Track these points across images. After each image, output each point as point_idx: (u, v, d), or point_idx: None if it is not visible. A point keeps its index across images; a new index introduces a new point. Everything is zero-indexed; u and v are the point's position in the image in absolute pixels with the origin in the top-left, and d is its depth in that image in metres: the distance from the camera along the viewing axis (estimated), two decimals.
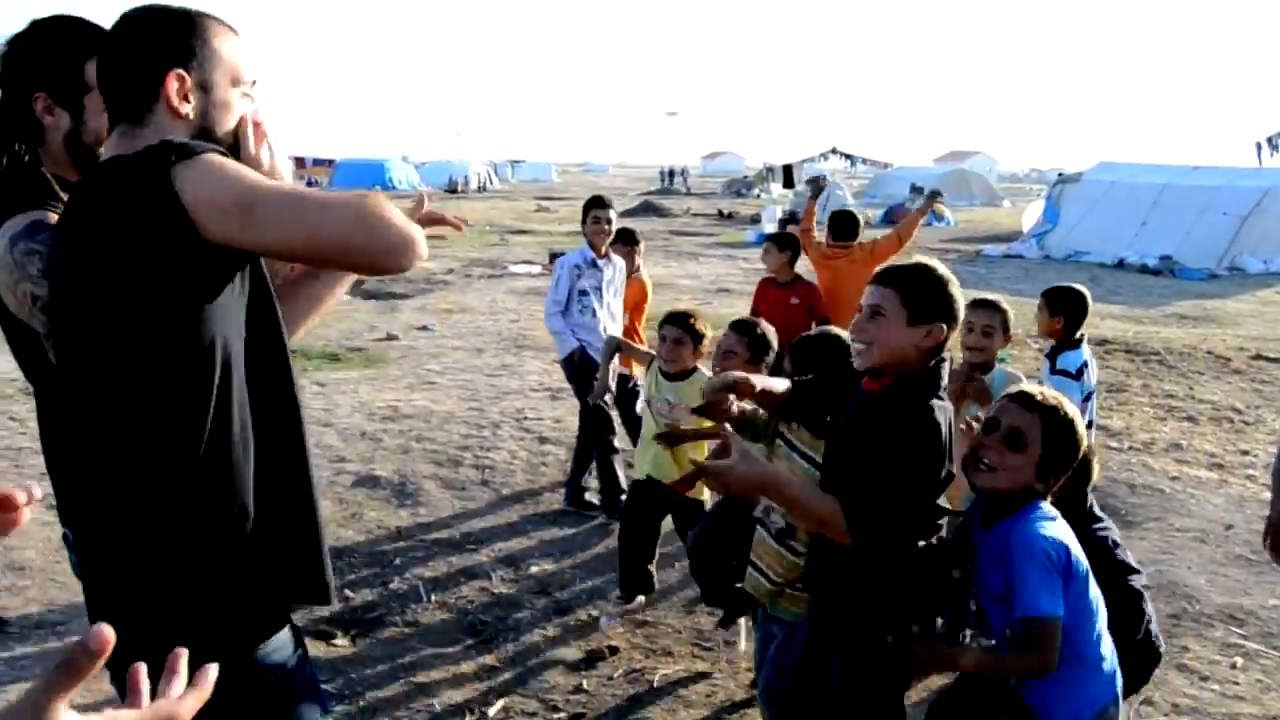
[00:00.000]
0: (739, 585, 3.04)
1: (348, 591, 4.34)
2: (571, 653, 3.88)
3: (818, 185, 7.29)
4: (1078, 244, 19.66)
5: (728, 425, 2.95)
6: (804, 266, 6.30)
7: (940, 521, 2.34)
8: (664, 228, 25.91)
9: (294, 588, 1.63)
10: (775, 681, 2.76)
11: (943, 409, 2.21)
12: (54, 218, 1.79)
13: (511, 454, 6.34)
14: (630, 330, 5.77)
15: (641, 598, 4.24)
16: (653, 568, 4.16)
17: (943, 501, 2.36)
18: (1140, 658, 2.79)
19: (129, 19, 1.57)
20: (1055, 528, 2.26)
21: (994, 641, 2.29)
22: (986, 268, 17.62)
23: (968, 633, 2.40)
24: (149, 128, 1.54)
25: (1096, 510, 3.02)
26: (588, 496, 5.49)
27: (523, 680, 3.68)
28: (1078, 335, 4.24)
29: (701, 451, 3.77)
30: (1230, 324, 12.12)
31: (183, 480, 1.47)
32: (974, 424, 2.53)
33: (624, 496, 5.14)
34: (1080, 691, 2.27)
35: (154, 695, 0.89)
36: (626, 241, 5.84)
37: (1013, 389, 2.45)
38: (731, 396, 2.72)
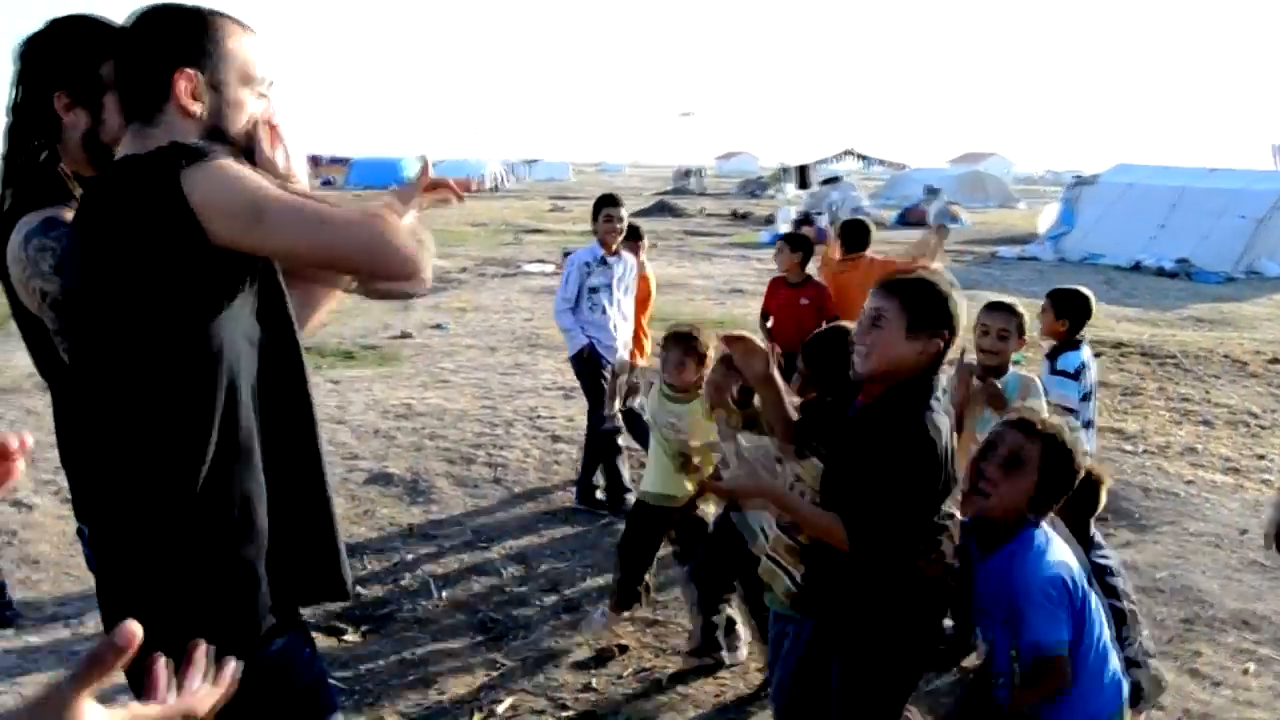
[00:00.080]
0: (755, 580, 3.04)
1: (359, 587, 4.36)
2: (581, 651, 3.89)
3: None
4: (1094, 246, 19.51)
5: (739, 437, 2.97)
6: (814, 268, 6.33)
7: (946, 524, 2.34)
8: (678, 227, 25.90)
9: (311, 584, 1.64)
10: (787, 680, 2.77)
11: (940, 416, 2.21)
12: (69, 215, 1.80)
13: (524, 452, 6.36)
14: (636, 328, 5.79)
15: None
16: (649, 577, 4.14)
17: (951, 508, 2.36)
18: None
19: (141, 18, 1.57)
20: (1050, 555, 2.30)
21: (1002, 668, 2.34)
22: (1001, 270, 17.52)
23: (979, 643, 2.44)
24: (160, 127, 1.54)
25: (1098, 538, 3.04)
26: (599, 495, 5.52)
27: (532, 677, 3.69)
28: (1078, 336, 4.27)
29: (709, 464, 3.79)
30: (1247, 327, 12.02)
31: (192, 479, 1.48)
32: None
33: (628, 495, 5.17)
34: (1086, 703, 2.28)
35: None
36: (630, 237, 5.85)
37: (1011, 416, 2.47)
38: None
